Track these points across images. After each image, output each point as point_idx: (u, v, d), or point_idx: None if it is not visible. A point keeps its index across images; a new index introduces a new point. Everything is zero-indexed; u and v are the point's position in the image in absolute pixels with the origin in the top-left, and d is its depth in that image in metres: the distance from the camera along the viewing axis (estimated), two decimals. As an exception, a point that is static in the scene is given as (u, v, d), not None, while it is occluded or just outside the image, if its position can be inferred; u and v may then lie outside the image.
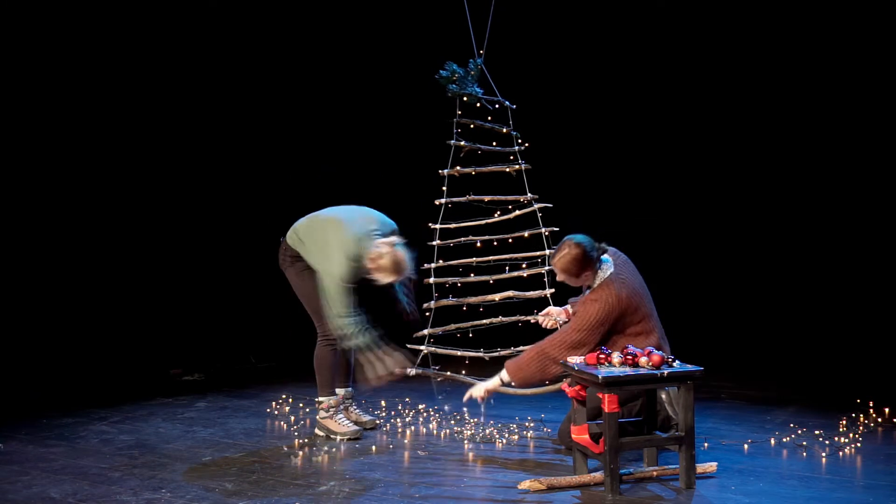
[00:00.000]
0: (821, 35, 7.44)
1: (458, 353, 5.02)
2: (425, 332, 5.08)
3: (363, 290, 5.07)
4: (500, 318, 4.98)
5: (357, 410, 5.49)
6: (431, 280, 5.04)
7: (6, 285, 7.22)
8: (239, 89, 8.01)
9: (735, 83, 7.82)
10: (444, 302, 5.05)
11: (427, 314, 5.10)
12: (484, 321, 5.00)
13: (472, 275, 5.07)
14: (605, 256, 4.63)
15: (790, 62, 7.63)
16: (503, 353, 4.95)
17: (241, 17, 7.88)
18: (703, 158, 7.97)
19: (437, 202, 5.01)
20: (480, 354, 4.97)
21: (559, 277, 4.65)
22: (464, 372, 5.06)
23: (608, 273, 4.57)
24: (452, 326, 5.06)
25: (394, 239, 4.94)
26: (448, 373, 5.07)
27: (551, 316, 4.92)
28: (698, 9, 7.70)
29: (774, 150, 7.81)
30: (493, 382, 4.65)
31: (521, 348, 4.95)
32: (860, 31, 7.32)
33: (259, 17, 7.92)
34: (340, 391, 5.42)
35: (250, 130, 8.12)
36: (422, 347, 5.04)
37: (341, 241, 4.95)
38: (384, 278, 4.94)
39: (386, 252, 4.87)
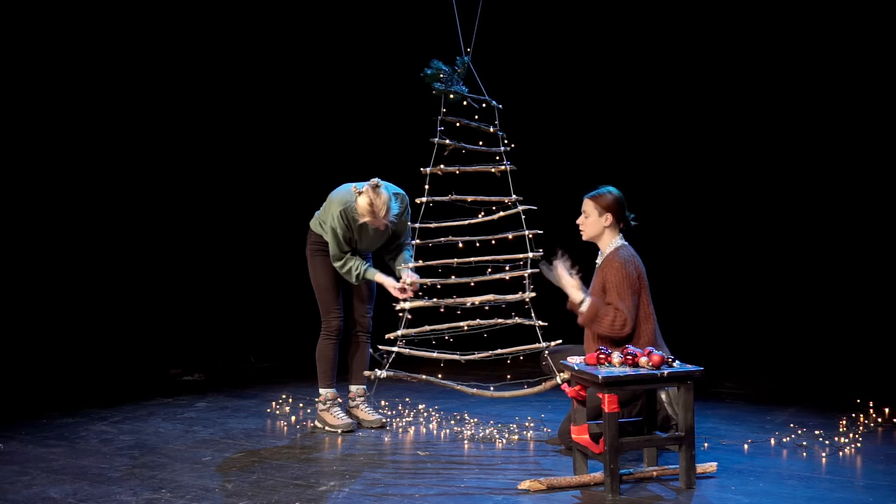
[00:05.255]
0: (813, 28, 7.45)
1: (434, 354, 4.89)
2: (398, 332, 4.95)
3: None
4: (477, 321, 4.87)
5: (366, 409, 5.52)
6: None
7: (6, 285, 7.22)
8: (231, 92, 8.02)
9: (732, 82, 7.82)
10: (418, 303, 4.93)
11: (400, 314, 4.96)
12: (461, 324, 4.88)
13: (452, 276, 4.95)
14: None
15: (785, 58, 7.63)
16: (479, 356, 4.86)
17: (231, 16, 7.88)
18: (700, 158, 7.96)
19: (418, 201, 4.93)
20: (456, 357, 4.85)
21: (585, 208, 4.82)
22: (440, 375, 4.98)
23: (620, 242, 4.80)
24: (426, 328, 4.90)
25: (375, 181, 5.01)
26: (423, 376, 4.94)
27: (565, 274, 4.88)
28: (687, 8, 7.69)
29: (773, 149, 7.81)
30: (575, 295, 4.73)
31: (499, 351, 4.91)
32: (860, 30, 7.32)
33: (243, 14, 7.92)
34: (353, 388, 5.54)
35: (249, 132, 8.12)
36: (393, 349, 4.90)
37: (339, 198, 5.21)
38: (362, 219, 5.08)
39: (363, 192, 5.01)
